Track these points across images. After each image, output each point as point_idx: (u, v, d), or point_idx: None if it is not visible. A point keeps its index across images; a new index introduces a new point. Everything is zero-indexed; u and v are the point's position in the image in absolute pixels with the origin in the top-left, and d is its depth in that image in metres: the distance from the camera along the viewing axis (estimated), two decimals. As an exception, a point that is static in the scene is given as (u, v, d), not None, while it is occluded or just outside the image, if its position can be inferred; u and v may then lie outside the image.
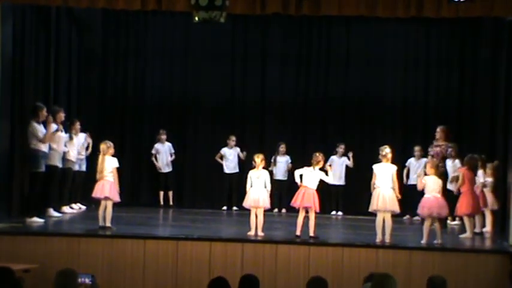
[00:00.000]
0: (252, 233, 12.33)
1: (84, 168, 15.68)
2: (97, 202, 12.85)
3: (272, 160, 16.78)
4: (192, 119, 18.03)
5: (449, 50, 17.53)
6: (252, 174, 12.55)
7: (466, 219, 13.19)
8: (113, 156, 12.69)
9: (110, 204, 12.54)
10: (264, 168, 12.60)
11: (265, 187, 12.49)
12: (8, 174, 13.18)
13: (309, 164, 12.40)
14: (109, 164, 12.58)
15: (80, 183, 15.56)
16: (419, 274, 10.52)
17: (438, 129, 15.04)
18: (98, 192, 12.57)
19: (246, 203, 12.59)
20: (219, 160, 17.16)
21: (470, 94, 17.21)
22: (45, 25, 14.91)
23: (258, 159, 12.56)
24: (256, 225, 12.37)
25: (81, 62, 16.89)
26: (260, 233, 12.33)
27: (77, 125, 15.07)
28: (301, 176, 12.36)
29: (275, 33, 17.84)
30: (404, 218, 15.68)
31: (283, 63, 17.92)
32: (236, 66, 18.10)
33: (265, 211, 12.60)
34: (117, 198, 12.68)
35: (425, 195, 12.26)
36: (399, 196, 12.19)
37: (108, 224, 12.47)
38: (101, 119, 17.25)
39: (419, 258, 11.47)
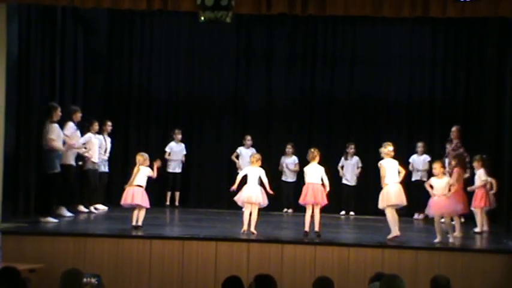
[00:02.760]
0: (244, 228, 12.46)
1: (107, 169, 15.97)
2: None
3: (281, 163, 17.07)
4: (198, 119, 18.00)
5: (456, 49, 17.46)
6: (248, 170, 12.79)
7: (455, 218, 13.14)
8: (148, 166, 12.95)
9: (142, 209, 12.73)
10: (260, 166, 12.82)
11: (261, 184, 12.65)
12: (14, 174, 13.19)
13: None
14: (143, 173, 12.78)
15: (104, 184, 15.81)
16: (425, 274, 10.49)
17: (454, 129, 15.08)
18: (127, 200, 12.68)
19: (238, 200, 12.78)
20: (235, 159, 17.08)
21: (476, 94, 17.13)
22: (51, 25, 14.92)
23: (254, 158, 12.89)
24: (250, 222, 12.46)
25: (87, 62, 16.86)
26: (253, 230, 12.44)
27: (95, 126, 15.31)
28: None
29: (281, 33, 17.78)
30: (415, 217, 15.71)
31: (289, 63, 17.88)
32: (242, 66, 18.06)
33: (260, 210, 12.69)
34: (147, 205, 12.77)
35: (433, 195, 12.32)
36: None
37: (140, 223, 12.61)
38: (107, 119, 17.19)
39: (425, 258, 11.47)
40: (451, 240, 12.15)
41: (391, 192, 12.19)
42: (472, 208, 13.79)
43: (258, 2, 11.79)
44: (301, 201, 12.59)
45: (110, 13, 16.90)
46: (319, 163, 12.59)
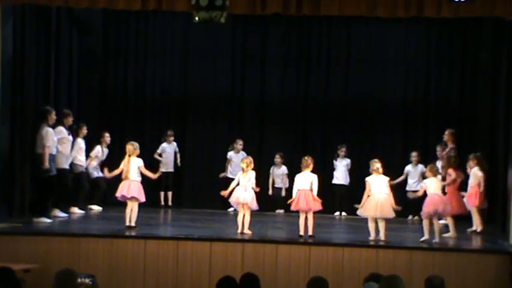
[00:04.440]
0: (239, 230, 12.50)
1: (101, 174, 15.85)
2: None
3: (271, 174, 16.91)
4: (192, 119, 17.95)
5: (450, 50, 17.43)
6: (240, 176, 12.75)
7: (449, 219, 13.15)
8: (138, 156, 12.89)
9: (136, 204, 12.69)
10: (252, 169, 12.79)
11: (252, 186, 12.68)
12: (8, 175, 13.18)
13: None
14: (134, 165, 12.70)
15: (103, 188, 15.72)
16: (419, 274, 10.49)
17: (447, 132, 15.05)
18: (123, 191, 12.65)
19: (232, 203, 13.06)
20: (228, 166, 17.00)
21: (470, 95, 17.10)
22: (46, 25, 14.90)
23: (244, 164, 12.77)
24: (243, 223, 12.49)
25: (82, 63, 16.85)
26: (246, 231, 12.48)
27: (84, 130, 15.22)
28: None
29: (275, 33, 17.76)
30: (409, 218, 15.70)
31: (283, 64, 17.82)
32: (236, 66, 18.02)
33: (252, 211, 12.71)
34: (142, 199, 12.80)
35: (429, 194, 12.32)
36: (395, 207, 12.38)
37: (133, 223, 12.57)
38: (102, 119, 17.18)
39: (420, 258, 11.49)
40: (436, 240, 12.16)
41: (373, 204, 12.21)
42: (468, 206, 13.80)
43: (252, 2, 11.76)
44: (293, 207, 12.53)
45: (105, 13, 16.86)
46: (313, 171, 12.55)
